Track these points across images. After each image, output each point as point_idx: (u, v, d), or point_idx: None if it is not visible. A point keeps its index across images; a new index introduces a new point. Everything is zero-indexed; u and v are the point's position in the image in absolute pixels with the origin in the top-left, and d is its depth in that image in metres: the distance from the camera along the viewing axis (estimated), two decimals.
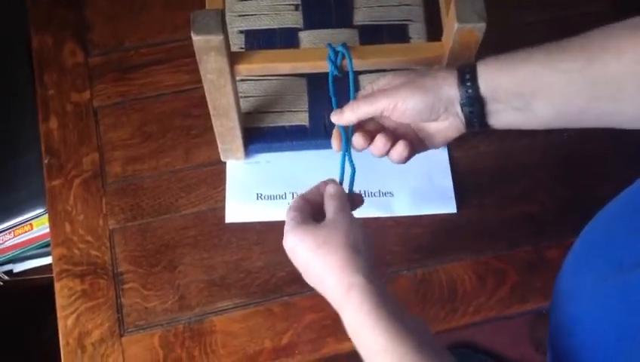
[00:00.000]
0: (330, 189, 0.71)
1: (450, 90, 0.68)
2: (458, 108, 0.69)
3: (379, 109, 0.70)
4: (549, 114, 0.66)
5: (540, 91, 0.65)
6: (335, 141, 0.75)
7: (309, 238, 0.66)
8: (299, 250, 0.67)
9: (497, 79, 0.67)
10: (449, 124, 0.71)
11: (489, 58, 0.69)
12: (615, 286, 0.53)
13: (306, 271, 0.67)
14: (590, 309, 0.57)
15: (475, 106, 0.68)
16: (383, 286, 0.63)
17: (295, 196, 0.91)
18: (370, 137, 0.73)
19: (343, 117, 0.73)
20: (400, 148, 0.72)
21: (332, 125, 0.92)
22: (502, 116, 0.68)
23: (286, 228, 0.69)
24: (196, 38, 0.70)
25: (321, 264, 0.65)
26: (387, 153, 0.73)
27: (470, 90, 0.67)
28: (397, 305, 0.61)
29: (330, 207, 0.69)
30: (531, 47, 0.67)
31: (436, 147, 0.76)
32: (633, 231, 0.55)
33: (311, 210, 0.70)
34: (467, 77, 0.67)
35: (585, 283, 0.58)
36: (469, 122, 0.69)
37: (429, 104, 0.69)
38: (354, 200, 0.74)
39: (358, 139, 0.73)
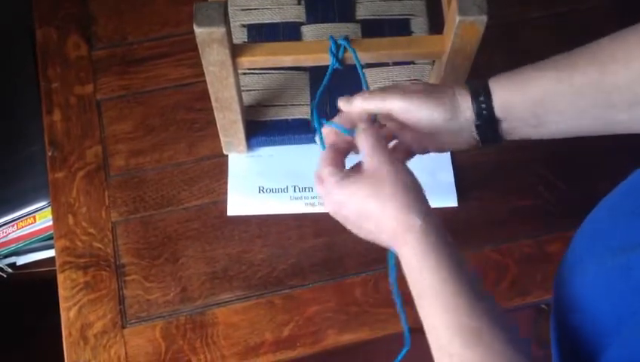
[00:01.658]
0: (362, 125, 0.68)
1: (466, 111, 0.68)
2: (473, 128, 0.69)
3: (389, 108, 0.69)
4: (563, 128, 0.68)
5: (553, 108, 0.66)
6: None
7: (361, 188, 0.64)
8: (350, 203, 0.66)
9: (510, 100, 0.67)
10: (463, 140, 0.71)
11: (499, 76, 0.68)
12: (616, 266, 0.54)
13: (358, 221, 0.66)
14: (592, 290, 0.57)
15: (490, 125, 0.68)
16: (438, 225, 0.62)
17: (297, 189, 0.92)
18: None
19: (353, 103, 0.71)
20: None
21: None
22: (516, 132, 0.69)
23: (327, 185, 0.67)
24: (198, 30, 0.70)
25: (378, 211, 0.63)
26: None
27: (485, 112, 0.67)
28: (449, 247, 0.61)
29: (364, 148, 0.67)
30: (540, 62, 0.67)
31: (440, 152, 0.76)
32: (635, 214, 0.55)
33: (343, 159, 0.70)
34: (481, 99, 0.67)
35: (587, 266, 0.59)
36: (484, 140, 0.70)
37: (446, 118, 0.68)
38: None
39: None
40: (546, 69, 0.66)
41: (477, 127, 0.68)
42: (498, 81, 0.68)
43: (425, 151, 0.75)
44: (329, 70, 0.78)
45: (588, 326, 0.57)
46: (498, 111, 0.67)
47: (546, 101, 0.66)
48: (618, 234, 0.57)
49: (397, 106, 0.68)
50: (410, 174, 0.65)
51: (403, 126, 0.71)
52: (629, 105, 0.63)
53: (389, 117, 0.70)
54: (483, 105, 0.67)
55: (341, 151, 0.70)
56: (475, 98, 0.67)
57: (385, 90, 0.70)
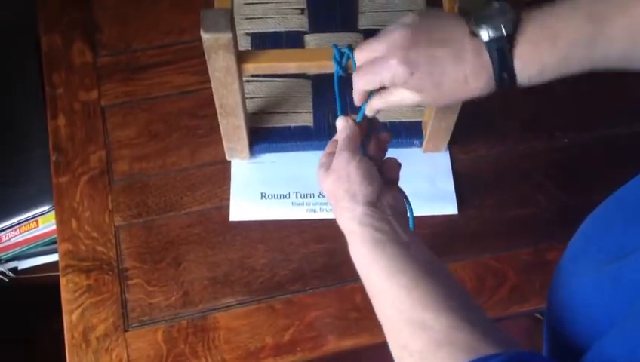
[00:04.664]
0: (337, 126, 0.73)
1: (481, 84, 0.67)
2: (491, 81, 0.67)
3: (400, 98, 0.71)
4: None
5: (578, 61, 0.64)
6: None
7: (324, 186, 0.70)
8: (326, 191, 0.70)
9: (538, 61, 0.64)
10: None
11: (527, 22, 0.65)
12: (609, 273, 0.55)
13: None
14: (584, 294, 0.58)
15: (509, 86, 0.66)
16: (383, 225, 0.64)
17: (299, 195, 0.94)
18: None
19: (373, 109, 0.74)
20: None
21: (336, 126, 0.93)
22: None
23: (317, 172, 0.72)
24: (205, 36, 0.72)
25: (333, 208, 0.69)
26: None
27: (505, 76, 0.65)
28: (395, 243, 0.62)
29: (339, 145, 0.71)
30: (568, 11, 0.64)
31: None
32: (629, 223, 0.56)
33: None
34: (500, 62, 0.64)
35: (581, 271, 0.60)
36: (499, 80, 0.66)
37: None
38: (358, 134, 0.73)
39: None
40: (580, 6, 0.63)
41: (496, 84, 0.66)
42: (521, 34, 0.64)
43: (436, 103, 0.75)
44: (335, 79, 0.79)
45: (580, 327, 0.58)
46: (519, 72, 0.64)
47: (569, 59, 0.64)
48: (611, 242, 0.58)
49: (408, 96, 0.70)
50: (356, 173, 0.67)
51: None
52: None
53: None
54: (504, 73, 0.65)
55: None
56: (491, 57, 0.65)
57: (392, 89, 0.71)
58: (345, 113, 0.76)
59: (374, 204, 0.66)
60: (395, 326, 0.59)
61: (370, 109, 0.74)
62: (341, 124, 0.72)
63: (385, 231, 0.63)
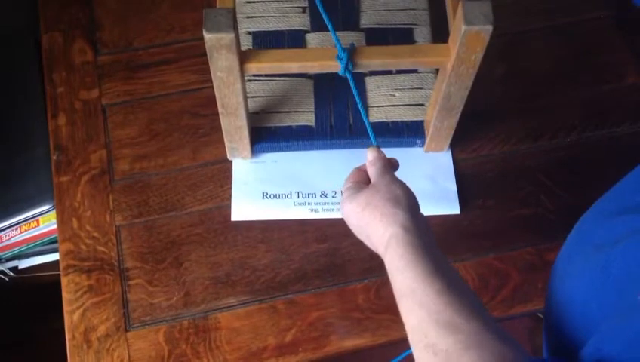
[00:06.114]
0: (369, 156, 0.75)
1: None
2: None
3: None
4: None
5: None
6: None
7: (355, 204, 0.71)
8: (351, 216, 0.72)
9: None
10: None
11: None
12: (598, 262, 0.56)
13: (359, 233, 0.72)
14: (578, 286, 0.59)
15: None
16: (422, 235, 0.65)
17: (301, 195, 0.93)
18: None
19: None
20: None
21: (338, 125, 0.93)
22: None
23: (342, 197, 0.74)
24: (208, 36, 0.71)
25: (366, 222, 0.69)
26: None
27: None
28: (431, 253, 0.64)
29: (371, 173, 0.73)
30: None
31: None
32: (617, 214, 0.58)
33: (366, 178, 0.75)
34: None
35: (575, 263, 0.61)
36: None
37: None
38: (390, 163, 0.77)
39: None
40: None
41: None
42: None
43: None
44: (349, 78, 0.79)
45: (576, 320, 0.59)
46: None
47: None
48: (601, 233, 0.59)
49: None
50: (401, 188, 0.70)
51: None
52: None
53: None
54: None
55: (363, 170, 0.76)
56: None
57: None
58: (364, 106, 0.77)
59: (415, 213, 0.68)
60: (423, 326, 0.59)
61: None
62: (373, 155, 0.75)
63: (425, 237, 0.65)
